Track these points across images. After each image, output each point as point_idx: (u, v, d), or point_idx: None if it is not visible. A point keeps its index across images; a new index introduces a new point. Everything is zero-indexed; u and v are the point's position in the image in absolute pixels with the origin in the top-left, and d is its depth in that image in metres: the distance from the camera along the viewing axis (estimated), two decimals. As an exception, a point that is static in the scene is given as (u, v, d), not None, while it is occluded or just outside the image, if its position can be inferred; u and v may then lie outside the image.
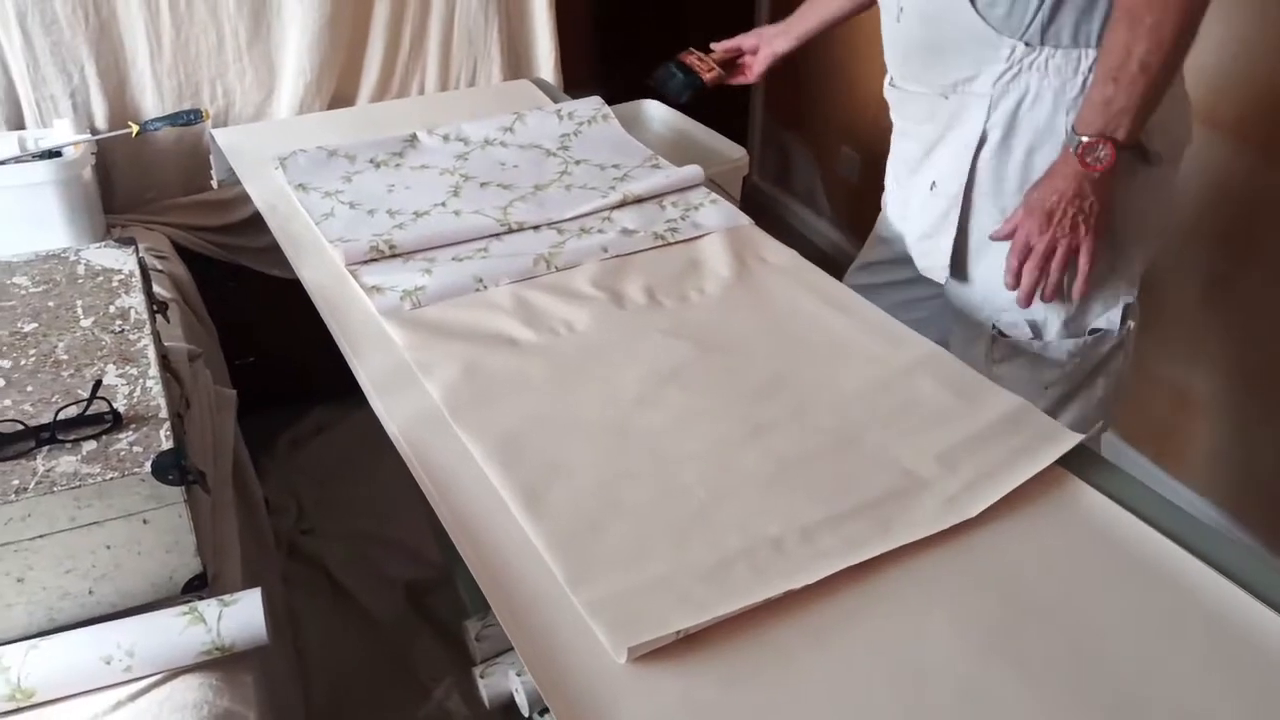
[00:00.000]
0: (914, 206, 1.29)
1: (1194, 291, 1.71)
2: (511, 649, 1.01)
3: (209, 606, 0.80)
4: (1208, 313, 1.71)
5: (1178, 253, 1.70)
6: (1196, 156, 1.61)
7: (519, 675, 0.92)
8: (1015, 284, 1.16)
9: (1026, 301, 1.17)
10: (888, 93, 1.31)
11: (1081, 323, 1.21)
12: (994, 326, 1.23)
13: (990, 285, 1.22)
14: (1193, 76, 1.16)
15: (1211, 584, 0.78)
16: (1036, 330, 1.21)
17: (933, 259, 1.27)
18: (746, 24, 2.66)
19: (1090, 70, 1.09)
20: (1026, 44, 1.10)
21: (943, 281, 1.27)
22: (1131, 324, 1.22)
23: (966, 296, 1.27)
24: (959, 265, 1.26)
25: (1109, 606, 0.76)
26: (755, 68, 1.52)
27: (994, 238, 1.18)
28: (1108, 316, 1.21)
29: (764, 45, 1.50)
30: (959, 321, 1.29)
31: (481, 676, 1.00)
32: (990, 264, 1.21)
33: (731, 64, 1.54)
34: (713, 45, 1.53)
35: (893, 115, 1.33)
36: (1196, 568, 0.79)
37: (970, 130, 1.17)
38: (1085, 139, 1.06)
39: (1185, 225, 1.68)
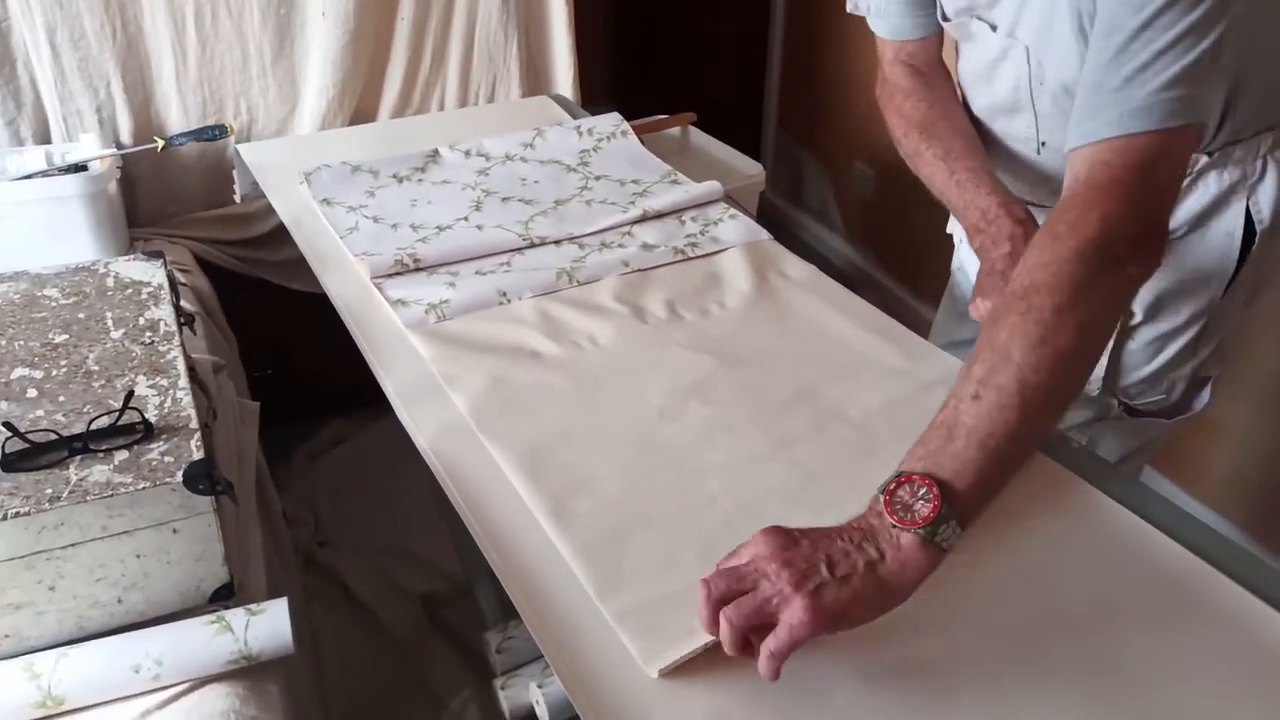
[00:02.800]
0: None
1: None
2: (532, 661, 1.02)
3: (236, 616, 0.81)
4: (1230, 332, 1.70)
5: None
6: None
7: (540, 687, 0.92)
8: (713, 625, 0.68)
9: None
10: None
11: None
12: (1119, 404, 1.15)
13: (1120, 365, 1.13)
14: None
15: (1238, 601, 0.78)
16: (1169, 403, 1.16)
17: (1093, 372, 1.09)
18: (759, 50, 2.69)
19: (1271, 150, 1.01)
20: (1209, 154, 1.01)
21: (1094, 393, 1.14)
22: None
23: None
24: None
25: (1134, 621, 0.76)
26: None
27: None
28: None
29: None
30: None
31: (502, 688, 1.00)
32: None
33: None
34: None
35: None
36: (1223, 583, 0.79)
37: None
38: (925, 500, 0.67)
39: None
